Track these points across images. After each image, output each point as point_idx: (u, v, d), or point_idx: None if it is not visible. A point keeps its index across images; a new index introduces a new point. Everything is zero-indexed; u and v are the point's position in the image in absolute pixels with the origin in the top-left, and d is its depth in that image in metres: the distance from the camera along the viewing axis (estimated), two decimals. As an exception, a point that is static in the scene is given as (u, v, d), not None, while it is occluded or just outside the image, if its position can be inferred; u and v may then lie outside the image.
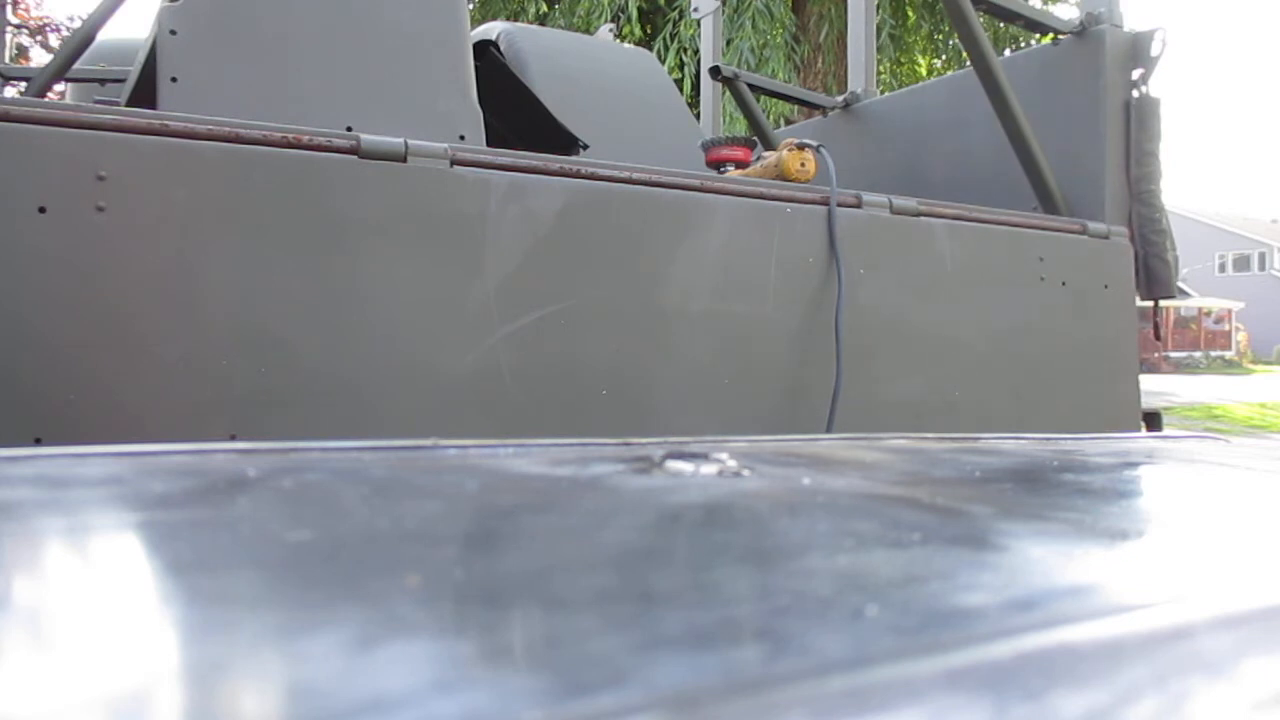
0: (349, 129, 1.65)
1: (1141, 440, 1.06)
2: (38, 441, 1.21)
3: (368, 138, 1.42)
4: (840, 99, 3.08)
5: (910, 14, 10.71)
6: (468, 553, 0.41)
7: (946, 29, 10.56)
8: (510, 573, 0.36)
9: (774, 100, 7.28)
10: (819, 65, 9.89)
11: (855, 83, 3.08)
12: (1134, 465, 0.79)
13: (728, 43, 9.12)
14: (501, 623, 0.30)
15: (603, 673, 0.25)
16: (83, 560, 0.39)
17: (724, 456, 0.64)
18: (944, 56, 11.23)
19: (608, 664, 0.26)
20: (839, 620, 0.30)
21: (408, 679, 0.24)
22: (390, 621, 0.29)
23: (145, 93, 1.84)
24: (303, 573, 0.36)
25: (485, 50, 2.78)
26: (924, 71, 11.09)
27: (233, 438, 1.30)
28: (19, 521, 0.44)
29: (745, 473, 0.59)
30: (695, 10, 3.71)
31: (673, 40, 9.67)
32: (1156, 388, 16.62)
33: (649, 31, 10.14)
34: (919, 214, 1.88)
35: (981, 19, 2.18)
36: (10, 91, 3.52)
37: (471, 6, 10.24)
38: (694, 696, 0.24)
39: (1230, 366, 27.84)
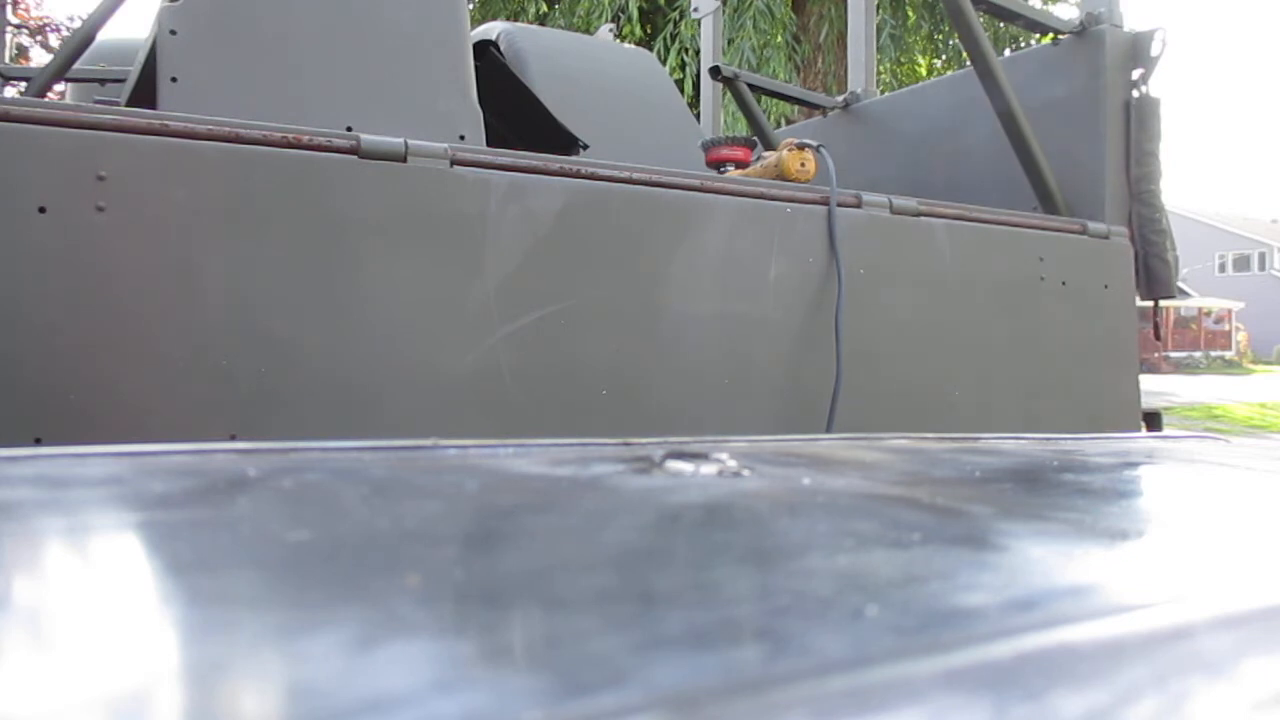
0: (349, 129, 1.65)
1: (1141, 440, 1.07)
2: (38, 441, 1.21)
3: (368, 138, 1.42)
4: (840, 99, 3.08)
5: (910, 14, 10.71)
6: (468, 553, 0.41)
7: (946, 29, 10.56)
8: (510, 573, 0.36)
9: (775, 100, 7.28)
10: (819, 65, 9.89)
11: (855, 83, 3.08)
12: (1134, 465, 0.79)
13: (729, 42, 9.12)
14: (502, 623, 0.30)
15: (603, 673, 0.25)
16: (83, 560, 0.39)
17: (724, 456, 0.64)
18: (944, 56, 11.24)
19: (608, 664, 0.26)
20: (839, 620, 0.30)
21: (408, 679, 0.24)
22: (390, 621, 0.29)
23: (145, 93, 1.84)
24: (303, 573, 0.36)
25: (485, 50, 2.78)
26: (924, 71, 11.09)
27: (233, 438, 1.30)
28: (19, 521, 0.44)
29: (745, 473, 0.59)
30: (695, 10, 3.71)
31: (673, 40, 9.67)
32: (1156, 388, 16.62)
33: (649, 31, 10.13)
34: (919, 214, 1.88)
35: (981, 19, 2.18)
36: (10, 91, 3.52)
37: (471, 6, 10.24)
38: (694, 696, 0.24)
39: (1230, 366, 27.84)
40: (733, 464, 0.61)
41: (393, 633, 0.28)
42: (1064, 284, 2.04)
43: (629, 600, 0.33)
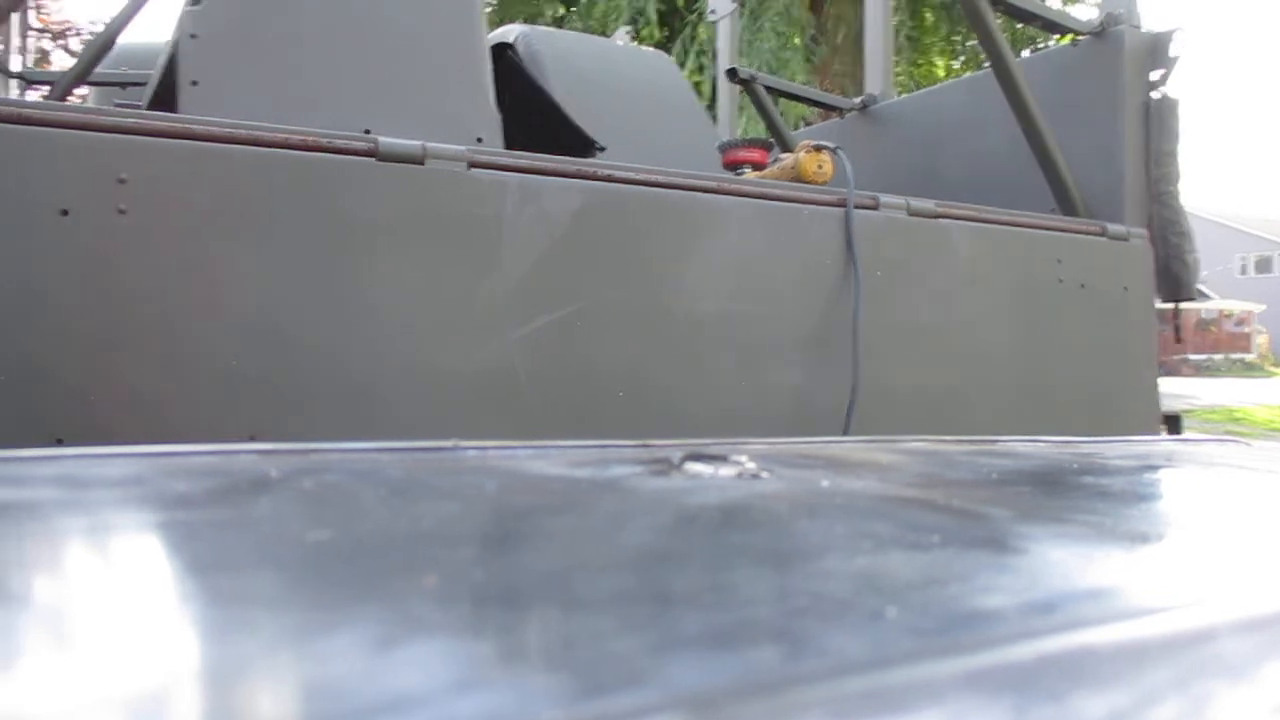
0: (367, 132, 1.66)
1: (1161, 443, 1.06)
2: (59, 442, 1.22)
3: (386, 140, 1.42)
4: (857, 101, 3.07)
5: (928, 16, 10.68)
6: (487, 553, 0.41)
7: (964, 30, 10.51)
8: (530, 573, 0.36)
9: (792, 102, 7.27)
10: (836, 67, 9.87)
11: (872, 85, 3.07)
12: (1154, 468, 0.79)
13: (747, 45, 9.10)
14: (521, 623, 0.30)
15: (621, 673, 0.25)
16: (104, 560, 0.39)
17: (742, 458, 0.64)
18: (962, 58, 11.20)
19: (626, 664, 0.26)
20: (858, 621, 0.30)
21: (427, 679, 0.24)
22: (410, 622, 0.30)
23: (166, 96, 1.85)
24: (323, 573, 0.36)
25: (502, 53, 2.79)
26: (941, 73, 11.05)
27: (252, 438, 1.31)
28: (41, 521, 0.45)
29: (764, 475, 0.59)
30: (712, 13, 3.71)
31: (692, 43, 9.65)
32: (1176, 390, 16.45)
33: (668, 34, 10.12)
34: (936, 216, 1.87)
35: (999, 20, 2.17)
36: (33, 95, 3.55)
37: (488, 9, 10.27)
38: (712, 697, 0.24)
39: (1251, 369, 27.57)
40: (751, 466, 0.61)
41: (412, 633, 0.28)
42: (1083, 286, 2.03)
43: (648, 601, 0.33)
